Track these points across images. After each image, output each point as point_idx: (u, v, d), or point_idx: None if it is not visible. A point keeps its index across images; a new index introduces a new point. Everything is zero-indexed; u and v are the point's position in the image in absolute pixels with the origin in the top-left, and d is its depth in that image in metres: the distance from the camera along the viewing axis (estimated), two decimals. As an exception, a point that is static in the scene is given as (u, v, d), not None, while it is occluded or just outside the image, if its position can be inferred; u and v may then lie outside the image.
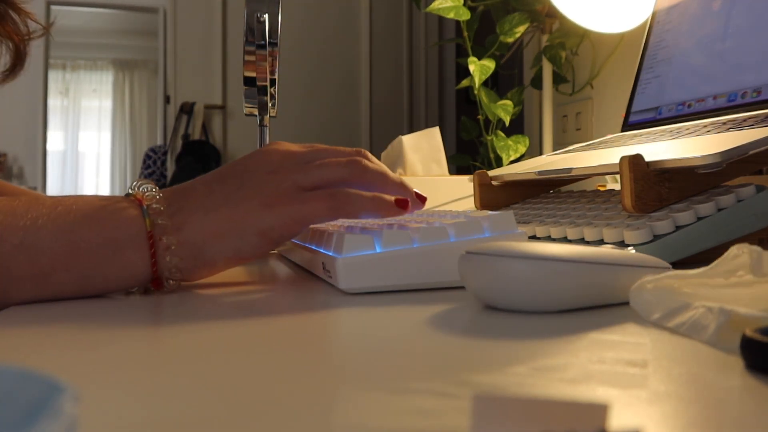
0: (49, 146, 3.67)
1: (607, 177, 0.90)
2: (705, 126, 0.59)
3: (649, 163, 0.47)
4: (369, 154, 0.46)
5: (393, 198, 0.43)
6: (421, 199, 0.46)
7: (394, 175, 0.45)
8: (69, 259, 0.38)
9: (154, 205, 0.40)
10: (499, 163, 1.40)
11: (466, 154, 1.67)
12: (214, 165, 2.71)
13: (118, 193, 3.61)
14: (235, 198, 0.41)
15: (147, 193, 0.41)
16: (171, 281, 0.41)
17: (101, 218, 0.39)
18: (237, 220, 0.41)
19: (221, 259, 0.41)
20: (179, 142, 2.82)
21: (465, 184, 0.80)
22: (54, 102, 4.44)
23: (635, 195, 0.47)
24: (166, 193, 0.41)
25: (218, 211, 0.41)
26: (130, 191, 0.42)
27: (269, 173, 0.42)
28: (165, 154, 3.02)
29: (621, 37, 1.26)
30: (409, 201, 0.44)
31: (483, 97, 1.37)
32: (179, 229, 0.40)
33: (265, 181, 0.42)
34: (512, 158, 1.38)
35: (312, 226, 0.48)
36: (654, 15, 0.80)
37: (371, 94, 2.90)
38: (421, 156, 1.10)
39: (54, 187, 4.37)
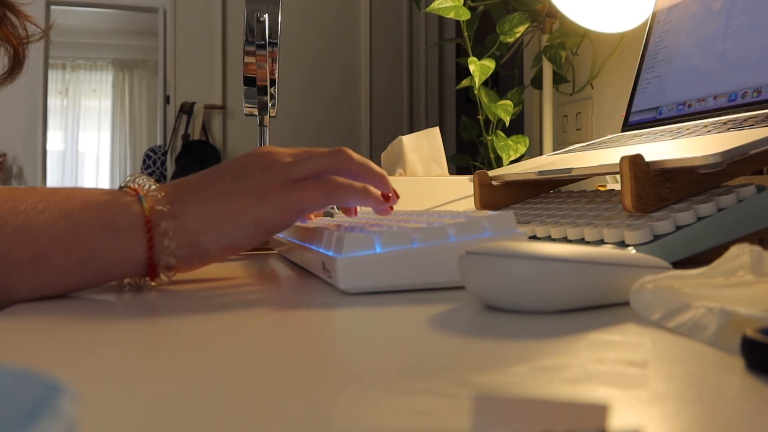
0: (48, 146, 3.67)
1: (607, 177, 0.90)
2: (705, 126, 0.59)
3: (649, 163, 0.47)
4: (350, 150, 0.49)
5: (379, 193, 0.47)
6: (395, 197, 0.49)
7: (377, 167, 0.48)
8: (68, 242, 0.39)
9: (152, 193, 0.41)
10: (499, 163, 1.40)
11: (466, 154, 1.68)
12: (213, 165, 2.70)
13: (118, 193, 3.60)
14: (230, 191, 0.43)
15: (143, 184, 0.42)
16: (166, 270, 0.41)
17: (100, 204, 0.40)
18: (233, 211, 0.42)
19: (217, 248, 0.42)
20: (179, 142, 2.82)
21: (465, 184, 0.80)
22: (54, 102, 4.44)
23: (635, 195, 0.47)
24: (161, 186, 0.43)
25: (214, 203, 0.42)
26: (123, 185, 0.43)
27: (262, 170, 0.44)
28: (165, 154, 3.02)
29: (621, 37, 1.26)
30: (393, 196, 0.48)
31: (483, 97, 1.37)
32: (176, 216, 0.41)
33: (259, 176, 0.44)
34: (512, 158, 1.38)
35: (301, 223, 0.51)
36: (654, 15, 0.80)
37: (371, 94, 2.90)
38: (421, 156, 1.10)
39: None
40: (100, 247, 0.39)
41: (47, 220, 0.38)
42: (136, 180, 0.43)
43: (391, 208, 0.48)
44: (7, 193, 0.39)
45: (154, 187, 0.42)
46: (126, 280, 0.42)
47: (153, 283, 0.44)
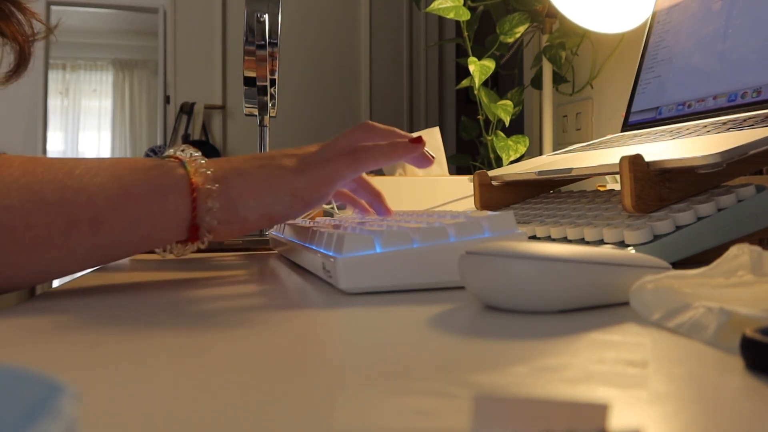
0: (49, 146, 3.67)
1: (607, 177, 0.90)
2: (705, 126, 0.59)
3: (649, 163, 0.47)
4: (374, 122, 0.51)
5: (406, 139, 0.49)
6: (420, 139, 0.51)
7: (401, 132, 0.51)
8: (122, 203, 0.41)
9: (195, 160, 0.44)
10: (499, 163, 1.40)
11: (466, 154, 1.67)
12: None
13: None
14: (269, 165, 0.46)
15: (186, 153, 0.45)
16: (207, 233, 0.44)
17: (147, 168, 0.43)
18: (271, 182, 0.45)
19: (255, 216, 0.45)
20: (179, 142, 2.82)
21: (465, 184, 0.80)
22: (54, 102, 4.44)
23: (635, 195, 0.47)
24: (205, 159, 0.45)
25: (254, 174, 0.45)
26: (165, 155, 0.46)
27: (298, 150, 0.48)
28: (165, 154, 3.02)
29: (621, 37, 1.26)
30: (422, 138, 0.50)
31: (483, 97, 1.37)
32: (218, 180, 0.44)
33: (295, 155, 0.47)
34: (512, 158, 1.38)
35: (301, 223, 0.53)
36: (654, 15, 0.80)
37: (371, 94, 2.90)
38: (421, 156, 1.10)
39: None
40: (150, 209, 0.42)
41: (102, 182, 0.40)
42: (177, 151, 0.45)
43: (420, 141, 0.50)
44: (60, 160, 0.41)
45: (197, 154, 0.45)
46: (169, 247, 0.45)
47: (194, 248, 0.46)
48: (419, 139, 0.49)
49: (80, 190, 0.39)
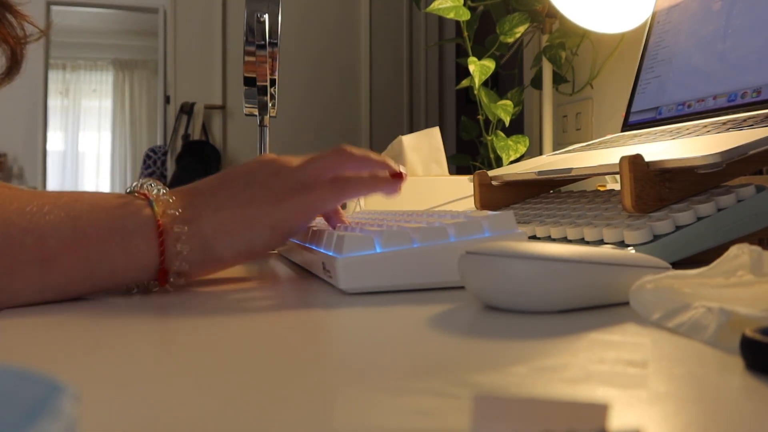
0: (49, 146, 3.67)
1: (607, 177, 0.90)
2: (705, 126, 0.59)
3: (649, 163, 0.47)
4: (348, 146, 0.49)
5: (387, 174, 0.47)
6: (404, 174, 0.49)
7: (377, 155, 0.48)
8: (76, 244, 0.38)
9: (163, 197, 0.41)
10: (499, 163, 1.40)
11: (466, 154, 1.67)
12: (214, 165, 2.71)
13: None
14: (242, 197, 0.43)
15: (152, 189, 0.42)
16: (177, 276, 0.41)
17: (109, 207, 0.40)
18: (248, 217, 0.42)
19: (232, 253, 0.42)
20: (179, 143, 2.81)
21: (465, 184, 0.80)
22: (54, 102, 4.44)
23: (635, 195, 0.47)
24: (171, 191, 0.42)
25: (228, 209, 0.42)
26: (130, 190, 0.43)
27: (271, 175, 0.44)
28: (165, 154, 3.02)
29: (621, 37, 1.26)
30: (402, 172, 0.48)
31: (483, 97, 1.37)
32: (190, 221, 0.41)
33: (269, 181, 0.44)
34: (512, 158, 1.38)
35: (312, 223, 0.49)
36: (654, 15, 0.80)
37: (371, 94, 2.90)
38: (421, 156, 1.10)
39: (54, 188, 4.37)
40: (109, 251, 0.39)
41: (54, 221, 0.37)
42: (144, 185, 0.42)
43: (400, 177, 0.48)
44: (13, 193, 0.38)
45: (164, 191, 0.42)
46: (135, 288, 0.42)
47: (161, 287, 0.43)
48: (400, 175, 0.47)
49: (28, 230, 0.37)
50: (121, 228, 0.39)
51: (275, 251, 0.71)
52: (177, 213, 0.40)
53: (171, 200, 0.41)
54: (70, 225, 0.38)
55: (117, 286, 0.40)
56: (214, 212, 0.42)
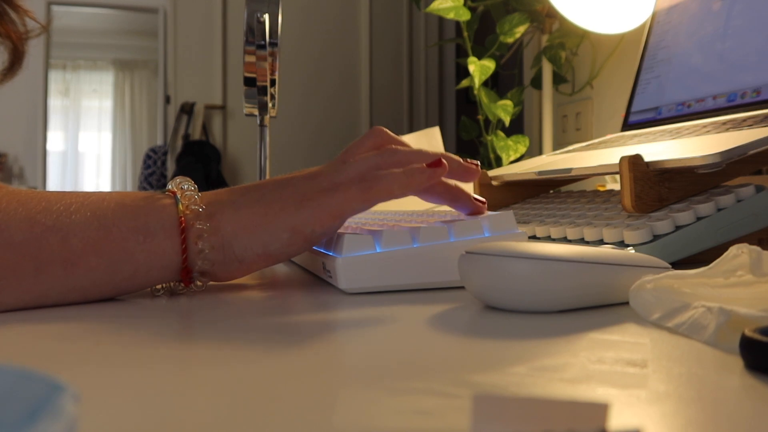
0: (49, 146, 3.67)
1: (607, 177, 0.90)
2: (705, 126, 0.59)
3: (648, 163, 0.47)
4: (389, 134, 0.45)
5: (423, 164, 0.41)
6: (474, 169, 0.45)
7: (429, 152, 0.43)
8: (100, 243, 0.37)
9: (189, 193, 0.40)
10: (499, 163, 1.40)
11: (466, 154, 1.67)
12: (214, 165, 2.71)
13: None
14: (269, 197, 0.41)
15: (184, 186, 0.41)
16: (201, 275, 0.40)
17: (135, 206, 0.39)
18: (268, 216, 0.40)
19: (250, 255, 0.40)
20: (179, 142, 2.81)
21: (465, 184, 0.80)
22: (54, 102, 4.44)
23: (635, 195, 0.47)
24: (202, 192, 0.41)
25: (251, 207, 0.40)
26: (170, 186, 0.42)
27: (306, 179, 0.42)
28: (165, 154, 3.01)
29: (621, 37, 1.26)
30: (442, 160, 0.42)
31: (483, 97, 1.37)
32: (211, 216, 0.39)
33: (301, 184, 0.41)
34: (512, 158, 1.38)
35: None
36: (654, 15, 0.80)
37: (371, 94, 2.90)
38: (421, 156, 1.10)
39: (54, 188, 4.36)
40: (132, 250, 0.38)
41: (79, 220, 0.37)
42: (179, 183, 0.41)
43: (472, 173, 0.44)
44: (43, 195, 0.38)
45: (193, 187, 0.41)
46: (158, 286, 0.41)
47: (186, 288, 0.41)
48: (438, 163, 0.41)
49: (52, 228, 0.36)
50: (144, 226, 0.38)
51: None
52: (201, 209, 0.39)
53: (197, 197, 0.40)
54: (95, 224, 0.37)
55: (140, 286, 0.40)
56: (236, 209, 0.40)
